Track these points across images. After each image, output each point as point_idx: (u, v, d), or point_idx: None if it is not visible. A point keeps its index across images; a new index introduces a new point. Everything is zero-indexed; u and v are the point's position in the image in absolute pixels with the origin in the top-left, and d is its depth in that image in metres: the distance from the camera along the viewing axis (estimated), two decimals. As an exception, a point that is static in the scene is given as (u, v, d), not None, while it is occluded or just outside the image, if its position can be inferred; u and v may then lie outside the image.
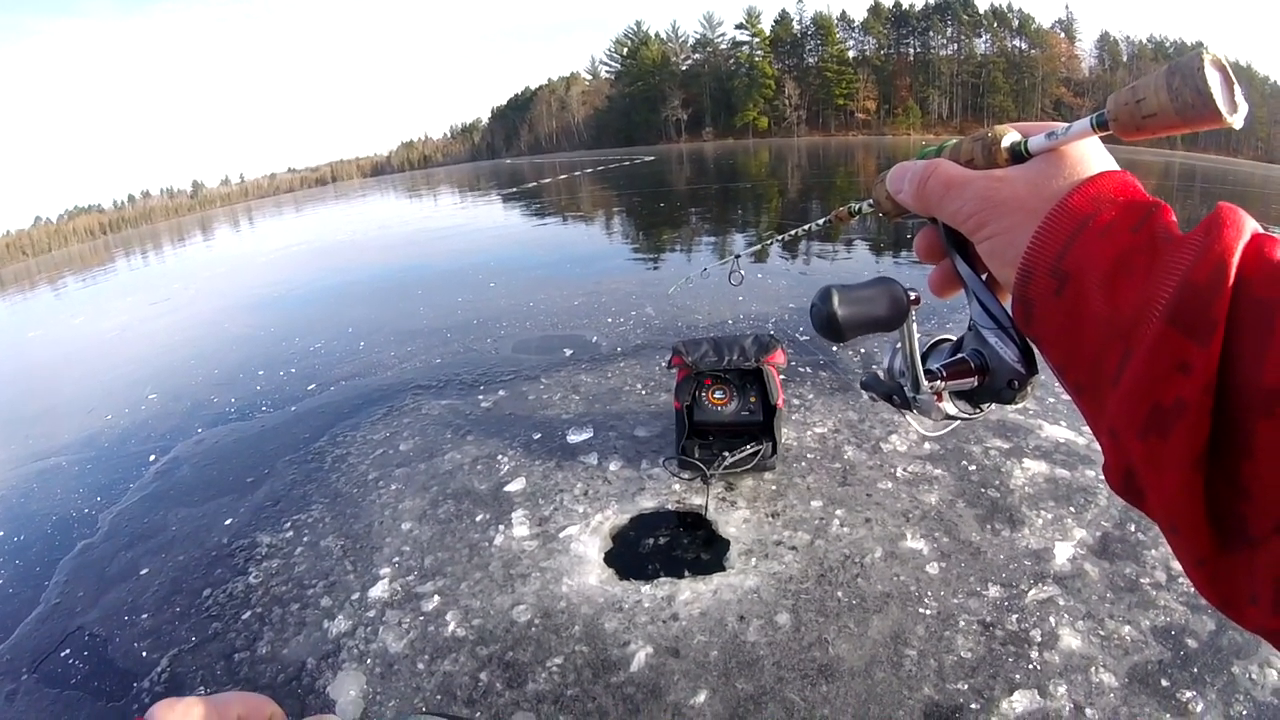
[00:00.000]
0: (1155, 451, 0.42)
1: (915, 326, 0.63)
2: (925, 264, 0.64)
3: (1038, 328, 0.50)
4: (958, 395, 0.62)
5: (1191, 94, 0.41)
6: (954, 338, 0.64)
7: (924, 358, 0.63)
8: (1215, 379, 0.39)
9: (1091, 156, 0.51)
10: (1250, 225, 0.42)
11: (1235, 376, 0.39)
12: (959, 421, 0.64)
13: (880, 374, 0.69)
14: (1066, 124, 0.51)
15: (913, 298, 0.62)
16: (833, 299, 0.59)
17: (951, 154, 0.58)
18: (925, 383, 0.61)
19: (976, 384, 0.60)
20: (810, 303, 0.60)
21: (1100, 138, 0.50)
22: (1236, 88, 0.41)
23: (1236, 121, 0.41)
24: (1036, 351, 0.55)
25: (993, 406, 0.63)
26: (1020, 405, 0.59)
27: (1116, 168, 0.50)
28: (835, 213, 0.77)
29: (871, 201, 0.66)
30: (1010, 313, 0.55)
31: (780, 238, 1.04)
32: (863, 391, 0.73)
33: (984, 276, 0.59)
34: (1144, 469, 0.43)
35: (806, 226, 0.92)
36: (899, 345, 0.65)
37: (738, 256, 1.18)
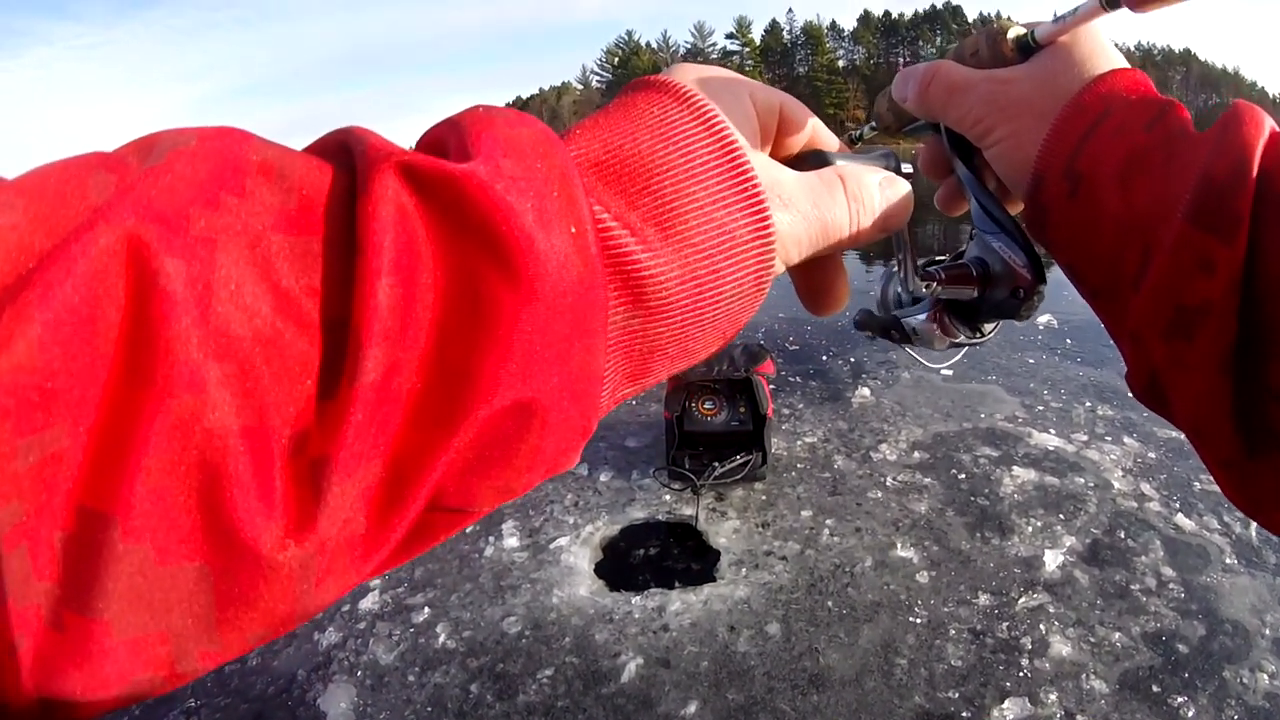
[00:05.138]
0: (1180, 354, 0.40)
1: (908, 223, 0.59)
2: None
3: (1052, 233, 0.49)
4: (958, 317, 0.58)
5: None
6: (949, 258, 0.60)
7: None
8: (1241, 277, 0.37)
9: (1100, 53, 0.49)
10: (1269, 122, 0.40)
11: (1261, 275, 0.37)
12: (966, 348, 0.61)
13: (874, 310, 0.66)
14: (1074, 6, 0.48)
15: (907, 171, 0.56)
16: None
17: (956, 53, 0.55)
18: (920, 283, 0.55)
19: (977, 294, 0.55)
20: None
21: (1109, 16, 0.47)
22: None
23: None
24: (1046, 261, 0.52)
25: (999, 327, 0.59)
26: (1027, 320, 0.54)
27: (1127, 65, 0.49)
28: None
29: (873, 124, 0.63)
30: (1015, 218, 0.53)
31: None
32: (857, 331, 0.68)
33: (992, 187, 0.56)
34: (1169, 372, 0.42)
35: None
36: (894, 268, 0.61)
37: None
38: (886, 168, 0.48)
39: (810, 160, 0.43)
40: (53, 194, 0.23)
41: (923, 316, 0.59)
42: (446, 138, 0.31)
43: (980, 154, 0.55)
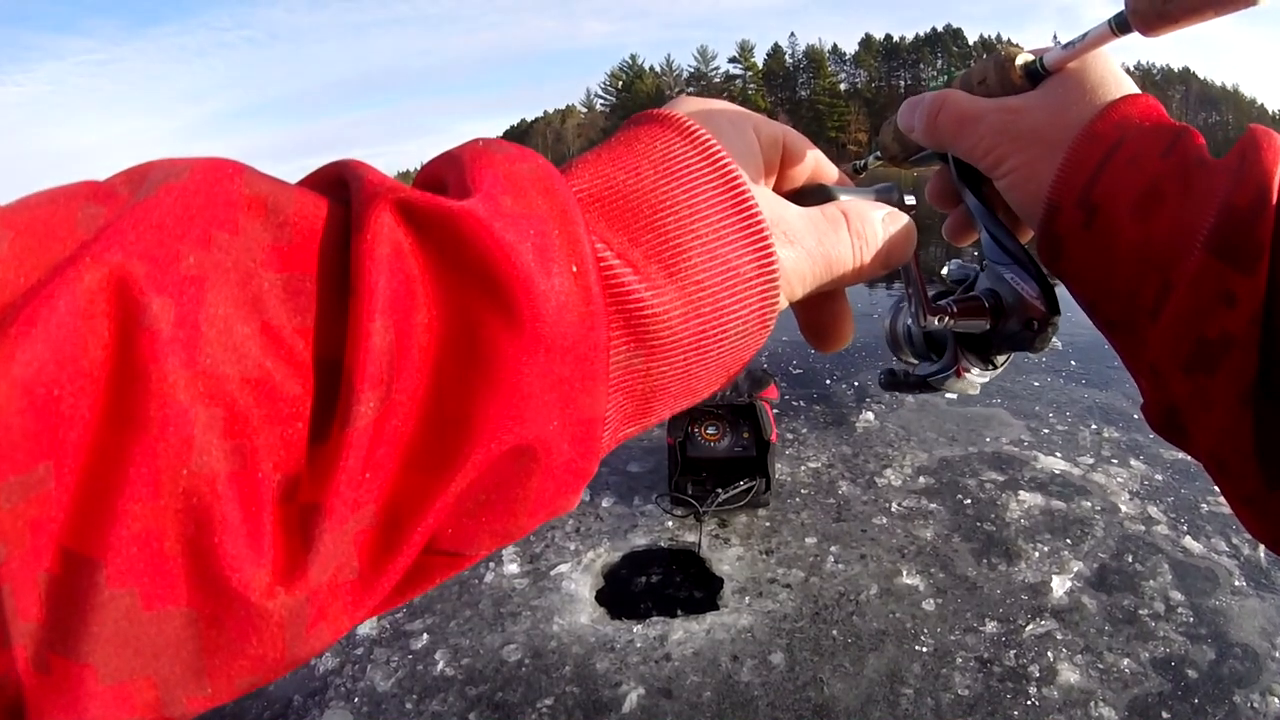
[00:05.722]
0: (1201, 388, 0.39)
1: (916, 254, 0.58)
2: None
3: (1066, 264, 0.47)
4: (972, 352, 0.56)
5: None
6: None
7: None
8: (1262, 309, 0.37)
9: (1111, 79, 0.48)
10: None
11: None
12: (989, 377, 0.59)
13: (893, 367, 0.64)
14: (1083, 32, 0.47)
15: (910, 204, 0.55)
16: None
17: (962, 80, 0.54)
18: (931, 316, 0.54)
19: (989, 326, 0.54)
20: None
21: (1119, 41, 0.45)
22: None
23: (1265, 1, 0.37)
24: (1061, 291, 0.51)
25: (1010, 358, 0.57)
26: (1043, 351, 0.52)
27: (1137, 91, 0.48)
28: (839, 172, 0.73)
29: (878, 153, 0.62)
30: (1027, 248, 0.52)
31: None
32: (885, 391, 0.67)
33: (1002, 217, 0.55)
34: (1189, 406, 0.41)
35: None
36: (901, 301, 0.60)
37: None
38: (889, 201, 0.47)
39: (813, 195, 0.42)
40: (40, 226, 0.22)
41: (949, 373, 0.57)
42: (445, 173, 0.30)
43: (989, 184, 0.54)
